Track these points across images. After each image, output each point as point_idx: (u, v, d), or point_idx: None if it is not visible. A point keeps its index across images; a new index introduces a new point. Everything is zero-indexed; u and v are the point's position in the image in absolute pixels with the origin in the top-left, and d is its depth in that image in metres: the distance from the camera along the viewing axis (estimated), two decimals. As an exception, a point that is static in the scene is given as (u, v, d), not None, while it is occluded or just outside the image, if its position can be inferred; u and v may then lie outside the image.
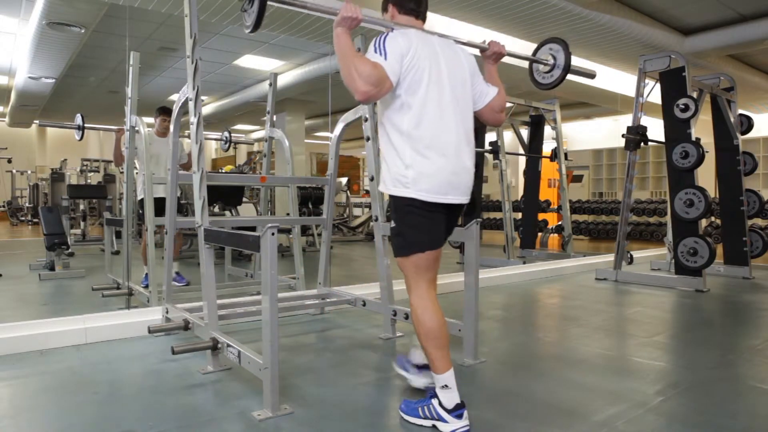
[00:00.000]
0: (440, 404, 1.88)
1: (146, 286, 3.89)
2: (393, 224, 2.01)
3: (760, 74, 8.64)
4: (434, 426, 1.90)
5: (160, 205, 4.10)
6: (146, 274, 4.22)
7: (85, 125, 5.47)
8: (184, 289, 4.15)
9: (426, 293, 1.99)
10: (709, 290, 4.74)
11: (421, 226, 1.95)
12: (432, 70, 1.94)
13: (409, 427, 1.94)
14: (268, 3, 2.01)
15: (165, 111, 4.64)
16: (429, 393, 1.96)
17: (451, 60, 2.02)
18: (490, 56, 2.26)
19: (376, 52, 1.88)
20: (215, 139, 17.43)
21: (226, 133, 7.65)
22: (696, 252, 4.74)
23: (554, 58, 2.84)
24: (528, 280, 5.30)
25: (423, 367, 2.18)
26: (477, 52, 2.30)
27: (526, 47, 7.02)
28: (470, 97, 2.07)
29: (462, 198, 1.99)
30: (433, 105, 1.93)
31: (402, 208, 1.95)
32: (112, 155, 4.78)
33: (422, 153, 1.90)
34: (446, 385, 1.88)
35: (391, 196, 1.99)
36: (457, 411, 1.86)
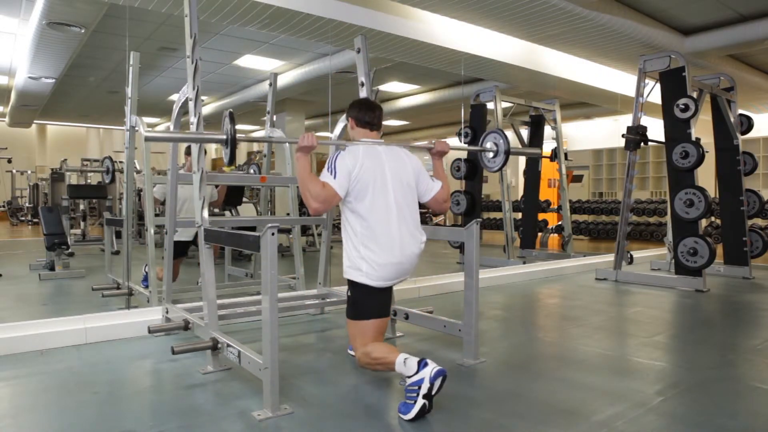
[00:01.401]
0: (409, 377, 2.02)
1: (146, 286, 3.88)
2: (349, 293, 2.38)
3: (760, 74, 8.63)
4: (424, 397, 1.97)
5: (181, 250, 4.17)
6: (145, 274, 4.21)
7: (115, 168, 5.39)
8: (184, 289, 4.15)
9: (370, 349, 2.25)
10: (709, 290, 4.74)
11: (372, 304, 2.34)
12: (377, 180, 2.34)
13: (409, 427, 1.94)
14: (238, 140, 2.48)
15: (188, 151, 4.46)
16: (401, 383, 2.09)
17: (395, 167, 2.42)
18: (435, 154, 2.65)
19: (328, 170, 2.32)
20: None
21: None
22: (696, 252, 4.74)
23: (496, 145, 3.31)
24: (528, 280, 5.30)
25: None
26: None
27: (527, 47, 7.02)
28: (414, 195, 2.49)
29: (404, 277, 2.41)
30: (379, 209, 2.32)
31: (357, 287, 2.33)
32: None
33: (372, 249, 2.29)
34: (405, 359, 2.07)
35: (348, 279, 2.36)
36: (421, 365, 2.01)
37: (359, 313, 2.35)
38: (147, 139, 2.32)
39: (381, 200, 2.33)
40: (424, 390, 1.97)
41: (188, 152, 4.56)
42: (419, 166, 2.56)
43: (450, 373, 2.44)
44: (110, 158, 5.40)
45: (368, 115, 2.51)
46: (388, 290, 2.41)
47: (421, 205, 2.56)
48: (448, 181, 2.61)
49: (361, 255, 2.30)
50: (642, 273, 5.36)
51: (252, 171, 7.18)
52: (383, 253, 2.29)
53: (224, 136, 2.45)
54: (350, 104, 2.59)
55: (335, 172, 2.30)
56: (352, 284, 2.36)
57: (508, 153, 3.25)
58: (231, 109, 2.51)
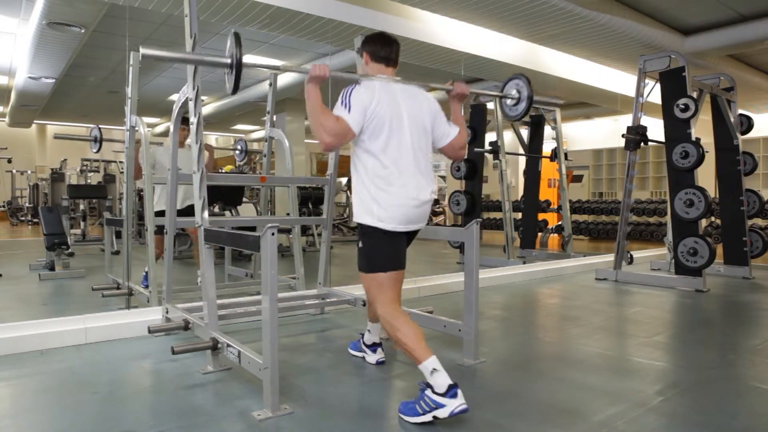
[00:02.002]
0: (433, 391, 1.93)
1: (146, 287, 3.89)
2: (360, 244, 2.26)
3: (760, 74, 8.63)
4: (434, 417, 1.91)
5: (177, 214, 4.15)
6: (146, 274, 4.22)
7: (103, 138, 5.42)
8: (184, 289, 4.15)
9: (390, 303, 2.22)
10: (709, 290, 4.74)
11: (387, 252, 2.23)
12: (393, 118, 2.20)
13: (409, 427, 1.94)
14: (244, 66, 2.27)
15: (186, 121, 4.52)
16: (421, 387, 1.98)
17: (412, 107, 2.27)
18: (454, 96, 2.50)
19: (342, 104, 2.15)
20: (215, 138, 17.38)
21: (242, 143, 7.49)
22: (696, 252, 4.74)
23: (519, 92, 3.13)
24: (528, 280, 5.30)
25: (373, 345, 2.62)
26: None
27: (527, 47, 7.03)
28: (429, 139, 2.34)
29: (418, 226, 2.30)
30: (394, 149, 2.19)
31: (369, 234, 2.22)
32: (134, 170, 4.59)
33: (385, 190, 2.18)
34: (435, 369, 1.96)
35: (359, 224, 2.25)
36: (450, 391, 1.91)
37: (374, 265, 2.22)
38: (144, 56, 2.09)
39: (396, 140, 2.19)
40: (439, 415, 1.90)
41: (184, 122, 4.54)
42: (437, 108, 2.37)
43: (450, 373, 2.44)
44: (98, 128, 5.40)
45: (385, 49, 2.34)
46: (402, 238, 2.26)
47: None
48: (465, 128, 2.44)
49: (373, 196, 2.17)
50: (642, 273, 5.36)
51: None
52: (397, 195, 2.17)
53: (228, 60, 2.25)
54: (365, 38, 2.41)
55: (350, 107, 2.13)
56: (363, 232, 2.23)
57: (531, 99, 3.02)
58: (237, 31, 2.28)
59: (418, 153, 2.25)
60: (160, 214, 4.03)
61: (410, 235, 2.33)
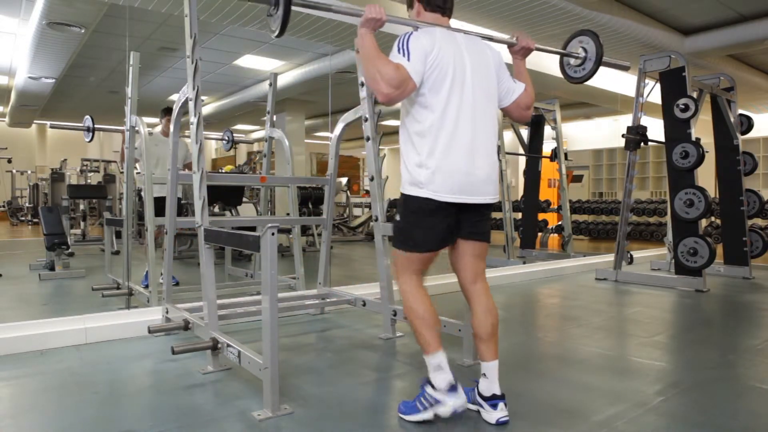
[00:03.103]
0: (434, 388, 1.90)
1: (146, 286, 3.89)
2: (398, 218, 2.04)
3: (760, 74, 8.64)
4: (435, 415, 1.89)
5: (161, 205, 4.11)
6: (146, 273, 4.22)
7: (96, 127, 5.46)
8: (184, 289, 4.15)
9: (414, 280, 2.04)
10: (709, 290, 4.74)
11: (428, 226, 1.97)
12: (456, 70, 1.95)
13: (409, 427, 1.94)
14: (293, 8, 2.00)
15: (170, 111, 4.63)
16: (421, 383, 1.96)
17: (476, 58, 2.02)
18: (518, 51, 2.25)
19: (399, 52, 1.90)
20: (216, 139, 17.38)
21: (228, 133, 7.62)
22: (696, 252, 4.74)
23: (585, 50, 2.78)
24: (528, 280, 5.30)
25: (494, 399, 1.97)
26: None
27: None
28: (495, 96, 2.08)
29: (479, 198, 1.98)
30: (455, 106, 1.94)
31: (412, 207, 1.98)
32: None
33: (440, 152, 1.92)
34: (439, 366, 1.91)
35: (403, 194, 2.01)
36: (451, 390, 1.88)
37: (411, 244, 2.00)
38: None
39: (458, 95, 1.94)
40: (439, 413, 1.88)
41: (168, 113, 4.60)
42: (502, 62, 2.13)
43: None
44: (91, 117, 5.44)
45: None
46: (451, 213, 1.96)
47: None
48: (532, 86, 2.19)
49: (425, 162, 1.92)
50: (642, 273, 5.36)
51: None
52: (455, 159, 1.92)
53: None
54: None
55: (408, 53, 1.88)
56: (406, 205, 2.00)
57: (600, 60, 2.71)
58: None
59: (483, 112, 2.00)
60: (159, 200, 4.02)
61: (469, 213, 2.01)
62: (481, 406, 1.97)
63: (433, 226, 1.97)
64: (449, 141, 1.93)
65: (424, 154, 1.94)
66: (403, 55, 1.89)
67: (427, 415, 1.91)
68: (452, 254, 2.11)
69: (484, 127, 2.00)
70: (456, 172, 1.93)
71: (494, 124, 2.06)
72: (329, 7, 2.13)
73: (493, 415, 1.93)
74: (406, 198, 2.00)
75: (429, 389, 1.91)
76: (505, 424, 1.92)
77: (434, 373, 1.91)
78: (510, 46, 2.26)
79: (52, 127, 6.99)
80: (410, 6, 2.15)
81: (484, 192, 2.00)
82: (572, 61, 2.82)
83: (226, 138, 7.45)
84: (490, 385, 1.95)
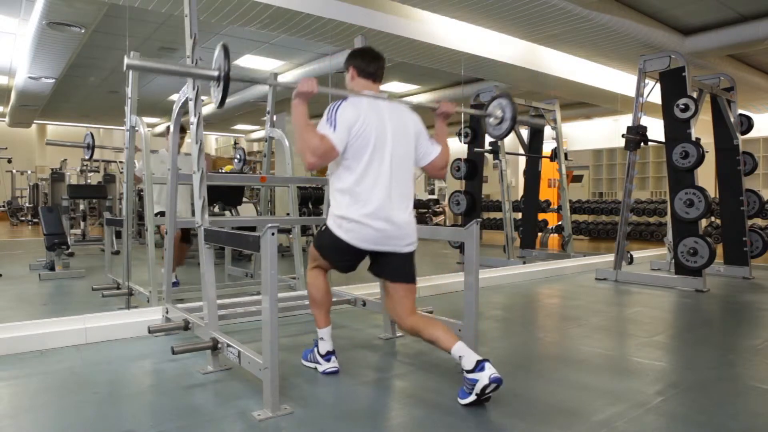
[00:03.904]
0: (318, 352, 2.47)
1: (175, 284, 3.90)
2: (323, 229, 2.35)
3: (760, 74, 8.63)
4: (316, 369, 2.47)
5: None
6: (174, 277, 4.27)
7: (95, 144, 5.47)
8: (184, 289, 4.15)
9: (317, 273, 2.47)
10: (709, 290, 4.74)
11: (337, 255, 2.34)
12: (378, 138, 2.21)
13: (408, 426, 1.94)
14: (231, 81, 2.25)
15: (183, 130, 4.53)
16: (314, 341, 2.51)
17: (397, 125, 2.28)
18: (439, 115, 2.51)
19: (327, 121, 2.16)
20: (218, 138, 17.33)
21: (240, 152, 7.61)
22: (696, 252, 4.74)
23: (503, 111, 3.13)
24: (528, 280, 5.30)
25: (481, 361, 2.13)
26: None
27: (527, 47, 7.02)
28: (412, 158, 2.36)
29: (393, 248, 2.28)
30: (374, 169, 2.21)
31: (333, 239, 2.28)
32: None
33: (358, 209, 2.20)
34: (322, 337, 2.46)
35: (327, 226, 2.33)
36: (327, 356, 2.45)
37: (322, 253, 2.38)
38: (128, 66, 2.03)
39: (377, 161, 2.21)
40: (318, 369, 2.45)
41: (183, 131, 4.56)
42: (420, 127, 2.40)
43: (449, 373, 2.44)
44: (91, 134, 5.46)
45: (372, 65, 2.35)
46: (361, 253, 2.29)
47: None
48: (448, 146, 2.45)
49: (344, 211, 2.22)
50: (642, 273, 5.36)
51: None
52: (369, 215, 2.19)
53: (215, 72, 2.19)
54: (351, 52, 2.43)
55: (335, 124, 2.14)
56: (327, 232, 2.31)
57: (514, 120, 3.06)
58: (225, 43, 2.25)
59: (399, 174, 2.26)
60: (162, 215, 4.05)
61: (389, 257, 2.30)
62: (474, 380, 2.02)
63: (341, 260, 2.35)
64: (366, 199, 2.20)
65: (343, 208, 2.23)
66: (330, 125, 2.14)
67: (311, 365, 2.51)
68: (385, 296, 2.42)
69: (399, 187, 2.27)
70: (370, 227, 2.20)
71: (410, 184, 2.34)
72: (265, 80, 2.42)
73: (484, 375, 2.00)
74: (327, 231, 2.31)
75: (315, 351, 2.49)
76: (499, 380, 1.99)
77: (320, 342, 2.47)
78: (433, 110, 2.51)
79: (48, 144, 6.98)
80: (346, 70, 2.42)
81: (398, 244, 2.28)
82: (492, 120, 3.17)
83: (239, 156, 7.47)
84: (468, 358, 2.06)
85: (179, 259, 4.51)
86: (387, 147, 2.23)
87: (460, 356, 2.08)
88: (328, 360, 2.45)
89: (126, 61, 2.05)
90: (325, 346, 2.45)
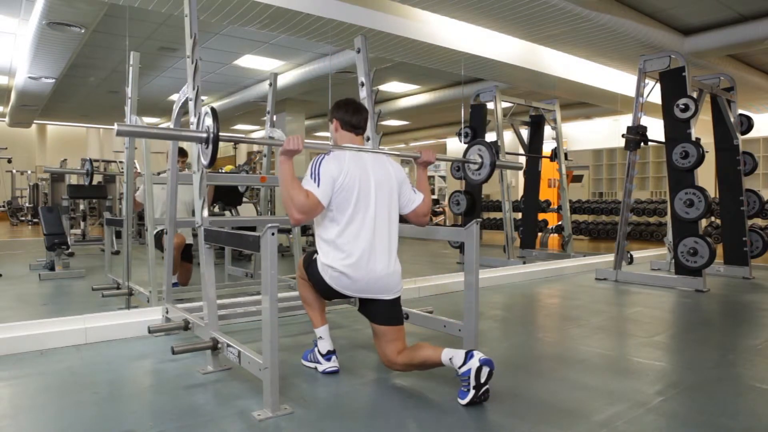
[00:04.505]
0: (318, 351, 2.48)
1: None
2: (312, 258, 2.38)
3: (760, 74, 8.63)
4: (316, 369, 2.48)
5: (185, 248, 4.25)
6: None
7: (95, 170, 5.48)
8: (184, 289, 4.15)
9: (304, 282, 2.49)
10: (709, 290, 4.74)
11: (323, 290, 2.39)
12: (361, 189, 2.27)
13: (408, 426, 1.94)
14: (220, 142, 2.29)
15: (183, 153, 4.53)
16: (314, 342, 2.52)
17: (380, 176, 2.35)
18: (420, 163, 2.58)
19: (311, 176, 2.23)
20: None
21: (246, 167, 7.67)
22: (696, 252, 4.74)
23: (481, 157, 3.17)
24: (528, 280, 5.30)
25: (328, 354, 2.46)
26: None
27: (527, 47, 7.02)
28: (396, 207, 2.41)
29: (377, 296, 2.32)
30: (359, 220, 2.27)
31: (319, 278, 2.34)
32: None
33: (342, 259, 2.26)
34: (321, 337, 2.48)
35: (318, 261, 2.35)
36: (327, 355, 2.46)
37: (310, 280, 2.42)
38: (119, 133, 2.08)
39: (362, 213, 2.28)
40: (318, 369, 2.45)
41: (182, 155, 4.55)
42: (403, 176, 2.48)
43: (449, 373, 2.44)
44: (90, 161, 5.47)
45: (355, 118, 2.42)
46: (347, 296, 2.37)
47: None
48: (430, 194, 2.55)
49: (329, 260, 2.29)
50: (642, 273, 5.36)
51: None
52: (351, 266, 2.26)
53: (203, 134, 2.24)
54: (335, 104, 2.47)
55: (318, 180, 2.21)
56: (318, 267, 2.35)
57: (493, 165, 3.13)
58: (212, 106, 2.35)
59: (384, 224, 2.32)
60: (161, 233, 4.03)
61: (376, 303, 2.35)
62: (467, 372, 2.05)
63: (327, 295, 2.43)
64: (349, 251, 2.26)
65: (329, 258, 2.29)
66: (314, 180, 2.21)
67: (312, 365, 2.51)
68: (374, 337, 2.42)
69: (383, 236, 2.32)
70: (353, 278, 2.26)
71: (394, 233, 2.39)
72: (252, 139, 2.53)
73: (473, 362, 2.04)
74: (316, 267, 2.34)
75: (316, 350, 2.50)
76: (489, 362, 2.03)
77: (319, 342, 2.48)
78: (414, 159, 2.59)
79: (46, 171, 7.02)
80: (330, 120, 2.48)
81: (382, 291, 2.32)
82: (472, 166, 3.22)
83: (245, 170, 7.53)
84: (457, 356, 2.09)
85: (182, 279, 4.46)
86: (371, 198, 2.30)
87: (450, 358, 2.10)
88: (329, 359, 2.45)
89: (116, 127, 2.07)
90: (324, 345, 2.47)
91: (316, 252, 2.39)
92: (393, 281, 2.36)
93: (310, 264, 2.41)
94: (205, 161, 2.32)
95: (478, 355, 2.05)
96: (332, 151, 2.33)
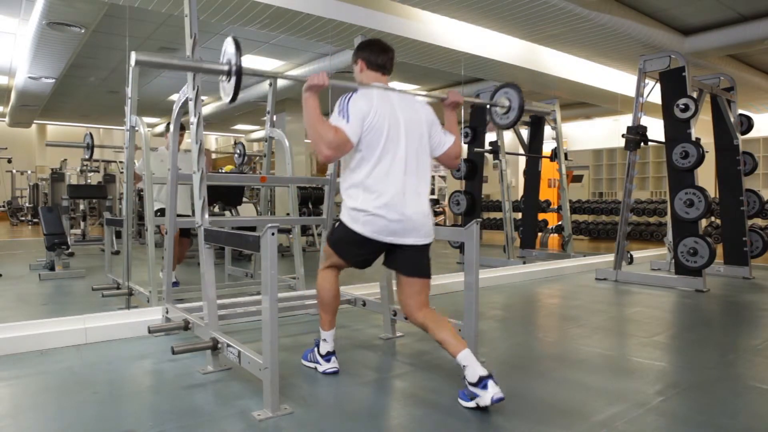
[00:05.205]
0: (318, 352, 2.48)
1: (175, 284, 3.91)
2: (337, 225, 2.32)
3: (760, 74, 8.63)
4: (315, 369, 2.48)
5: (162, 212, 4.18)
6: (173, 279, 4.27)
7: (95, 145, 5.48)
8: (184, 289, 4.15)
9: (329, 273, 2.45)
10: (709, 290, 4.74)
11: (354, 249, 2.31)
12: (391, 129, 2.18)
13: (408, 426, 1.94)
14: (244, 75, 2.18)
15: (183, 128, 4.52)
16: (315, 341, 2.53)
17: (409, 116, 2.25)
18: (448, 105, 2.49)
19: (339, 114, 2.13)
20: (217, 138, 17.36)
21: (241, 146, 7.62)
22: (696, 252, 4.74)
23: (509, 101, 3.10)
24: (528, 280, 5.30)
25: (482, 380, 2.03)
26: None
27: (527, 47, 7.02)
28: (427, 148, 2.32)
29: (410, 240, 2.23)
30: (388, 160, 2.18)
31: (348, 233, 2.25)
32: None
33: (373, 200, 2.17)
34: (325, 339, 2.46)
35: (341, 221, 2.29)
36: (327, 356, 2.46)
37: (337, 248, 2.34)
38: (137, 62, 2.02)
39: (392, 151, 2.18)
40: (318, 369, 2.44)
41: (181, 129, 4.55)
42: (433, 117, 2.36)
43: (449, 373, 2.44)
44: (90, 134, 5.46)
45: (381, 57, 2.31)
46: (378, 246, 2.24)
47: None
48: (460, 136, 2.44)
49: (359, 204, 2.18)
50: (642, 273, 5.36)
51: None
52: (384, 207, 2.16)
53: (225, 67, 2.12)
54: (359, 44, 2.38)
55: (348, 116, 2.11)
56: (341, 227, 2.28)
57: (521, 109, 3.01)
58: (235, 36, 2.17)
59: (414, 163, 2.23)
60: (161, 212, 4.05)
61: (404, 250, 2.26)
62: (476, 395, 2.02)
63: (358, 254, 2.31)
64: (381, 191, 2.17)
65: (358, 201, 2.19)
66: (343, 117, 2.11)
67: (311, 365, 2.51)
68: (398, 288, 2.35)
69: (415, 178, 2.24)
70: (387, 218, 2.17)
71: (427, 174, 2.30)
72: (275, 75, 2.30)
73: (486, 395, 1.97)
74: (342, 225, 2.27)
75: (316, 351, 2.50)
76: (501, 400, 1.97)
77: (322, 343, 2.48)
78: (441, 100, 2.50)
79: (48, 145, 7.00)
80: (354, 62, 2.38)
81: (415, 235, 2.23)
82: (499, 110, 3.14)
83: (239, 152, 7.47)
84: (473, 370, 2.02)
85: (179, 255, 4.50)
86: (401, 138, 2.20)
87: (464, 365, 2.05)
88: (328, 360, 2.45)
89: (134, 56, 2.02)
90: (326, 347, 2.46)
91: (338, 220, 2.32)
92: (427, 224, 2.26)
93: (336, 230, 2.33)
94: (226, 97, 2.19)
95: (491, 392, 1.96)
96: (359, 90, 2.23)
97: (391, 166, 2.18)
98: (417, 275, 2.28)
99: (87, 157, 5.61)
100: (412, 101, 2.33)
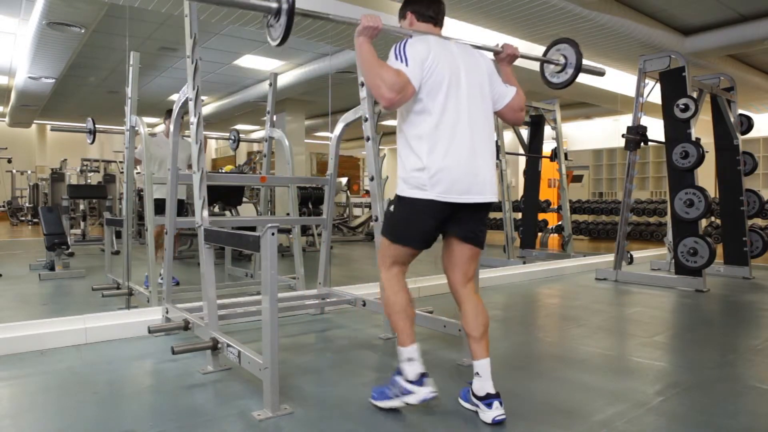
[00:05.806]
0: (405, 379, 1.99)
1: (147, 287, 3.89)
2: (392, 209, 2.08)
3: (760, 74, 8.64)
4: (405, 403, 1.99)
5: (161, 206, 4.13)
6: (147, 275, 4.23)
7: (97, 128, 5.47)
8: (184, 289, 4.15)
9: (395, 272, 2.11)
10: (709, 290, 4.74)
11: (418, 225, 2.02)
12: (452, 76, 1.99)
13: (408, 426, 1.94)
14: (296, 17, 2.03)
15: (169, 112, 4.61)
16: (393, 373, 2.06)
17: (470, 65, 2.07)
18: (504, 58, 2.32)
19: (396, 58, 1.95)
20: (217, 138, 17.38)
21: (234, 133, 7.59)
22: (696, 252, 4.74)
23: (565, 57, 2.87)
24: (528, 280, 5.30)
25: (489, 398, 1.97)
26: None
27: (527, 47, 7.01)
28: (490, 100, 2.12)
29: (480, 197, 2.01)
30: (452, 110, 1.98)
31: (410, 206, 2.00)
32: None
33: (440, 154, 1.95)
34: (411, 358, 2.00)
35: (399, 195, 2.04)
36: (420, 380, 1.98)
37: (399, 237, 2.06)
38: None
39: (454, 99, 1.98)
40: (409, 401, 1.97)
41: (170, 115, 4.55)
42: (492, 67, 2.17)
43: (450, 373, 2.44)
44: (92, 119, 5.45)
45: (432, 8, 2.15)
46: (446, 212, 1.99)
47: None
48: (521, 89, 2.24)
49: (425, 161, 1.94)
50: (642, 273, 5.36)
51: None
52: (454, 160, 1.94)
53: (274, 4, 1.96)
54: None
55: (406, 59, 1.92)
56: (401, 201, 2.03)
57: (579, 68, 2.77)
58: None
59: (478, 115, 2.03)
60: (159, 201, 4.02)
61: (469, 213, 2.04)
62: (477, 406, 1.99)
63: (423, 227, 2.03)
64: (448, 143, 1.96)
65: (423, 157, 1.96)
66: (401, 61, 1.93)
67: (397, 402, 2.00)
68: (445, 255, 2.15)
69: (481, 130, 2.04)
70: (457, 172, 1.95)
71: (491, 126, 2.10)
72: (327, 16, 2.20)
73: (488, 414, 1.94)
74: (402, 198, 2.02)
75: (400, 379, 2.00)
76: (501, 422, 1.93)
77: (406, 364, 2.00)
78: (496, 53, 2.34)
79: (53, 129, 7.00)
80: (402, 17, 2.22)
81: (485, 191, 2.02)
82: (552, 67, 2.93)
83: (232, 137, 7.44)
84: (483, 384, 1.98)
85: (165, 246, 4.47)
86: (463, 84, 2.01)
87: (476, 372, 2.00)
88: (421, 383, 1.97)
89: None
90: (413, 369, 1.99)
91: (391, 204, 2.10)
92: (494, 181, 2.07)
93: (393, 215, 2.08)
94: (274, 39, 2.05)
95: (494, 413, 1.91)
96: (415, 35, 2.07)
97: (457, 115, 1.98)
98: (472, 242, 2.09)
99: (90, 141, 5.60)
100: (471, 50, 2.15)
